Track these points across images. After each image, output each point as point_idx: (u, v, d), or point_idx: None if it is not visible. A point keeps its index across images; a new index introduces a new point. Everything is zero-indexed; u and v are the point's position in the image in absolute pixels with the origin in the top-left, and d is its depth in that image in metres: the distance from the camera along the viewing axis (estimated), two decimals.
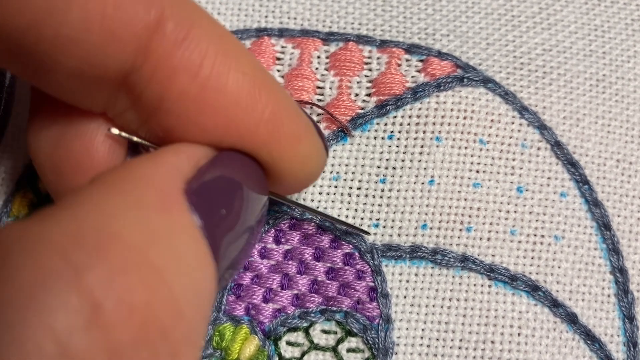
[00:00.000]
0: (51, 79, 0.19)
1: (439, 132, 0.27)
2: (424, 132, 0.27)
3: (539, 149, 0.27)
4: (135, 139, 0.21)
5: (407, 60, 0.28)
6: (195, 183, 0.18)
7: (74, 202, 0.16)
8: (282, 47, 0.28)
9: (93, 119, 0.21)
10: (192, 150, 0.20)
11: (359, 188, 0.26)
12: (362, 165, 0.26)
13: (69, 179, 0.21)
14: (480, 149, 0.27)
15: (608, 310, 0.26)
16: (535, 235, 0.26)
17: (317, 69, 0.28)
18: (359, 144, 0.27)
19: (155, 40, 0.19)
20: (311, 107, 0.27)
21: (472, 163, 0.27)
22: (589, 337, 0.25)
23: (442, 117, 0.27)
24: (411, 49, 0.28)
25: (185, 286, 0.16)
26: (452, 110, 0.27)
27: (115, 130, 0.21)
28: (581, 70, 0.29)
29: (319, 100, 0.27)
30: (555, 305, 0.25)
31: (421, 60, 0.28)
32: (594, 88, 0.28)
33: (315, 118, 0.27)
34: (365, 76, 0.28)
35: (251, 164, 0.21)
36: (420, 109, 0.27)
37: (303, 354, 0.25)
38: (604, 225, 0.27)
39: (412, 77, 0.28)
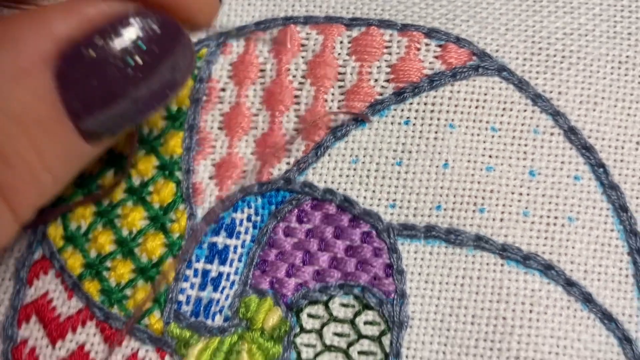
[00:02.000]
0: None
1: (452, 119, 0.28)
2: (439, 119, 0.28)
3: (552, 134, 0.28)
4: None
5: (427, 44, 0.29)
6: (70, 46, 0.19)
7: None
8: (307, 33, 0.29)
9: None
10: (82, 7, 0.20)
11: (376, 170, 0.27)
12: (380, 149, 0.27)
13: None
14: (492, 136, 0.28)
15: (626, 290, 0.26)
16: (548, 217, 0.27)
17: (339, 54, 0.29)
18: (377, 129, 0.28)
19: None
20: (332, 94, 0.28)
21: (484, 149, 0.27)
22: (606, 316, 0.26)
23: (456, 105, 0.28)
24: (431, 33, 0.29)
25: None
26: (465, 99, 0.28)
27: None
28: (603, 53, 0.29)
29: (340, 86, 0.28)
30: (569, 284, 0.26)
31: (440, 46, 0.29)
32: (616, 70, 0.29)
33: (336, 105, 0.28)
34: (385, 61, 0.29)
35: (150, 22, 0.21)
36: (435, 97, 0.28)
37: (322, 326, 0.26)
38: (621, 208, 0.27)
39: (430, 63, 0.28)
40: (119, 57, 0.20)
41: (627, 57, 0.29)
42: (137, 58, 0.21)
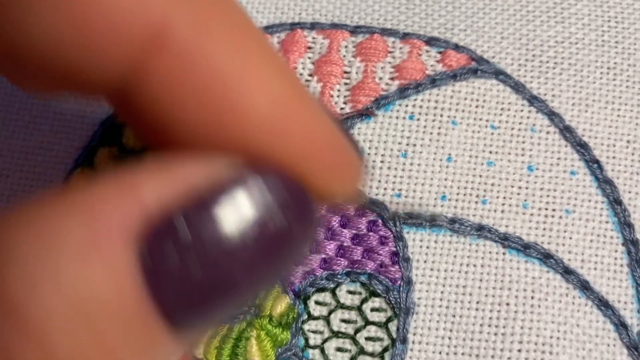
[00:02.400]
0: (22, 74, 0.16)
1: (454, 117, 0.29)
2: (441, 115, 0.29)
3: (547, 132, 0.29)
4: None
5: (427, 51, 0.31)
6: (162, 223, 0.14)
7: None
8: (313, 38, 0.31)
9: None
10: (186, 171, 0.15)
11: (382, 162, 0.28)
12: (385, 142, 0.29)
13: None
14: (492, 133, 0.29)
15: (621, 279, 0.27)
16: (546, 209, 0.28)
17: (344, 56, 0.30)
18: (382, 122, 0.29)
19: (156, 57, 0.15)
20: (338, 90, 0.30)
21: (485, 145, 0.29)
22: (602, 303, 0.27)
23: (457, 104, 0.29)
24: (431, 41, 0.31)
25: None
26: (465, 98, 0.29)
27: None
28: (592, 60, 0.31)
29: (346, 83, 0.30)
30: (567, 272, 0.27)
31: (440, 52, 0.31)
32: (605, 76, 0.30)
33: (342, 100, 0.30)
34: (389, 62, 0.30)
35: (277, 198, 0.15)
36: (437, 94, 0.29)
37: (330, 312, 0.27)
38: (615, 201, 0.28)
39: (432, 66, 0.30)
40: (228, 238, 0.14)
41: (615, 63, 0.31)
42: (251, 239, 0.15)
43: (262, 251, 0.15)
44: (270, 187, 0.15)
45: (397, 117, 0.29)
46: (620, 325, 0.27)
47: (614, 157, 0.29)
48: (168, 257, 0.14)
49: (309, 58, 0.31)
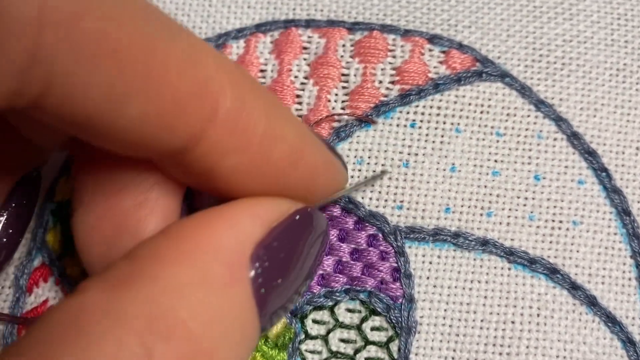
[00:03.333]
0: (106, 146, 0.20)
1: (458, 124, 0.28)
2: (444, 122, 0.28)
3: (555, 139, 0.28)
4: None
5: (430, 50, 0.29)
6: (262, 247, 0.19)
7: (148, 274, 0.18)
8: (309, 37, 0.29)
9: (141, 179, 0.21)
10: (267, 210, 0.20)
11: (382, 172, 0.27)
12: (385, 151, 0.27)
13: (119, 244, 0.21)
14: (497, 141, 0.28)
15: (629, 293, 0.26)
16: (553, 221, 0.27)
17: (342, 56, 0.29)
18: (382, 130, 0.27)
19: (209, 128, 0.19)
20: (336, 95, 0.28)
21: (490, 153, 0.27)
22: (610, 319, 0.26)
23: (461, 110, 0.28)
24: (434, 39, 0.29)
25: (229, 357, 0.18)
26: (469, 104, 0.28)
27: None
28: (601, 60, 0.29)
29: (344, 87, 0.28)
30: (574, 287, 0.26)
31: (443, 52, 0.29)
32: (614, 78, 0.29)
33: (339, 105, 0.28)
34: (390, 63, 0.28)
35: (318, 220, 0.22)
36: (440, 100, 0.28)
37: (328, 332, 0.26)
38: (624, 211, 0.27)
39: (435, 67, 0.28)
40: (308, 254, 0.21)
41: (625, 64, 0.29)
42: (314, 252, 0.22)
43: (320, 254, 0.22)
44: (306, 220, 0.21)
45: (398, 125, 0.28)
46: (628, 342, 0.26)
47: (622, 165, 0.28)
48: (269, 272, 0.19)
49: (305, 59, 0.29)
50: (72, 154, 0.23)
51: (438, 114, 0.28)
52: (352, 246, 0.26)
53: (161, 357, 0.16)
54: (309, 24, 0.29)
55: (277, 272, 0.20)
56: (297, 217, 0.21)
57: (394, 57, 0.29)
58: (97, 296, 0.17)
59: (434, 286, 0.26)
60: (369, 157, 0.27)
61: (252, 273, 0.19)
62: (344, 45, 0.29)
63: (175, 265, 0.18)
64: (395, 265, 0.26)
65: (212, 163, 0.20)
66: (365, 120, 0.27)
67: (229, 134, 0.19)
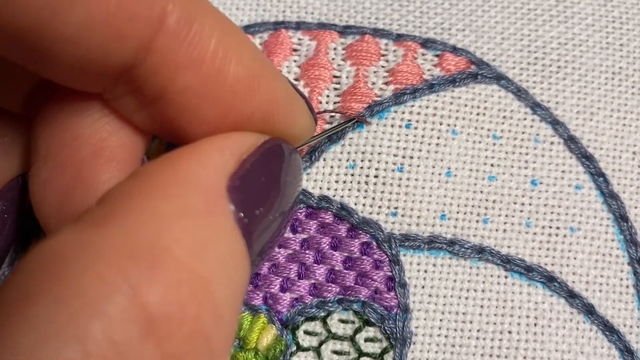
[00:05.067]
0: (51, 68, 0.19)
1: (455, 125, 0.27)
2: (441, 123, 0.27)
3: (552, 143, 0.27)
4: None
5: (423, 54, 0.28)
6: (236, 179, 0.18)
7: (125, 210, 0.17)
8: (299, 39, 0.28)
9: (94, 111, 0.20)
10: (235, 142, 0.20)
11: (375, 176, 0.26)
12: (379, 153, 0.26)
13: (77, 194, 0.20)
14: (494, 144, 0.27)
15: (627, 301, 0.26)
16: (550, 227, 0.26)
17: (333, 59, 0.28)
18: (376, 132, 0.27)
19: (158, 37, 0.18)
20: (327, 96, 0.27)
21: (486, 157, 0.27)
22: (607, 328, 0.25)
23: (457, 111, 0.27)
24: (427, 43, 0.28)
25: (226, 291, 0.17)
26: (465, 105, 0.27)
27: None
28: (597, 64, 0.29)
29: (336, 88, 0.27)
30: (571, 296, 0.25)
31: (437, 55, 0.28)
32: (610, 81, 0.28)
33: (331, 106, 0.27)
34: (382, 66, 0.28)
35: (289, 151, 0.21)
36: (436, 101, 0.27)
37: (321, 343, 0.25)
38: (621, 217, 0.27)
39: (429, 70, 0.28)
40: (284, 181, 0.21)
41: (620, 68, 0.29)
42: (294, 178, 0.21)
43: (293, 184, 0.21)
44: (278, 151, 0.21)
45: (392, 126, 0.27)
46: (626, 351, 0.25)
47: (619, 170, 0.27)
48: (247, 199, 0.19)
49: (295, 61, 0.28)
50: (29, 112, 0.22)
51: (434, 114, 0.27)
52: (345, 254, 0.25)
53: (148, 289, 0.15)
54: (299, 26, 0.29)
55: (256, 201, 0.19)
56: (267, 146, 0.20)
57: (386, 60, 0.28)
58: (73, 236, 0.16)
59: (430, 295, 0.25)
60: (362, 161, 0.26)
61: (232, 204, 0.18)
62: (335, 49, 0.28)
63: (153, 198, 0.17)
64: (390, 274, 0.25)
65: (163, 81, 0.19)
66: (358, 120, 0.27)
67: (179, 45, 0.19)
